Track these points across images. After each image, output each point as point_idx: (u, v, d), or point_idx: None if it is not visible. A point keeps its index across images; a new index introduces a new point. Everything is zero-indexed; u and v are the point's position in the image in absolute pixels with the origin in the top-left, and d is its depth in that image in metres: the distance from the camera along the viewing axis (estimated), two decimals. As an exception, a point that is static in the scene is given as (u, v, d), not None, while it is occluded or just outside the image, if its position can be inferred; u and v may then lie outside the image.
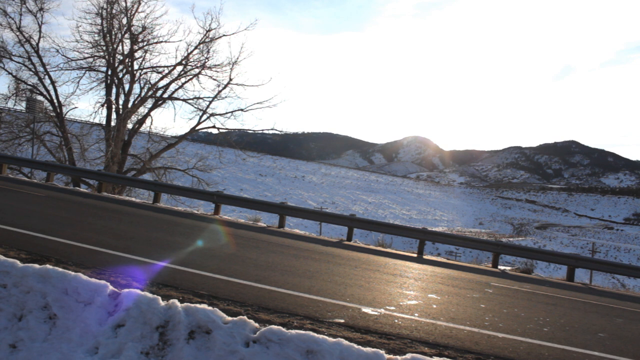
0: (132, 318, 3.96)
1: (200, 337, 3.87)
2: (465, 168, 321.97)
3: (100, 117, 24.86)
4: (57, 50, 21.90)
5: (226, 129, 23.85)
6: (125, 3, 22.51)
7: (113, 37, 22.57)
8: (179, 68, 23.35)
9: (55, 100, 22.28)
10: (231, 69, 22.96)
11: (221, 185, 32.98)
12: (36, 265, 4.37)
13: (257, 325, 3.97)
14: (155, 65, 23.71)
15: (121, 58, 22.94)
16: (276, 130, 23.79)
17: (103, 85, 22.76)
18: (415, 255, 12.93)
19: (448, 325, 5.45)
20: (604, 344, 5.69)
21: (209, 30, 22.79)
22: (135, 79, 23.25)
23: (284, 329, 3.86)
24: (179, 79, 23.65)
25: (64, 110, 22.55)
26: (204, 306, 4.09)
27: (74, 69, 22.16)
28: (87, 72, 22.42)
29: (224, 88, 23.20)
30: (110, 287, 4.28)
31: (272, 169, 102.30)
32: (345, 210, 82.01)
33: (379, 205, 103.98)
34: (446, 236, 15.35)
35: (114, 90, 22.76)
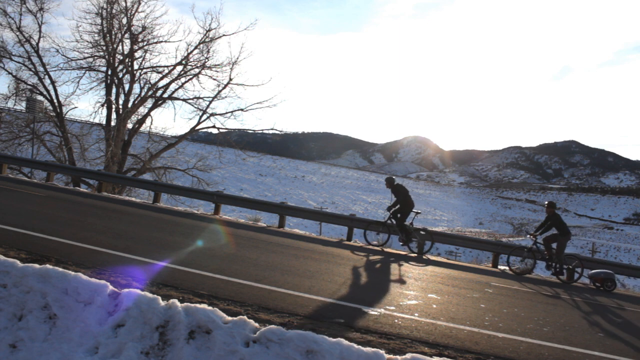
0: (132, 318, 3.96)
1: (200, 337, 3.87)
2: (465, 168, 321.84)
3: (100, 117, 24.95)
4: (57, 50, 21.99)
5: (226, 128, 23.87)
6: (125, 3, 22.55)
7: (113, 37, 22.59)
8: (179, 68, 23.40)
9: (55, 100, 22.31)
10: (231, 69, 23.01)
11: (221, 185, 32.94)
12: (36, 265, 4.37)
13: (257, 325, 3.97)
14: (155, 65, 23.78)
15: (121, 58, 22.96)
16: (276, 130, 23.86)
17: (103, 85, 22.81)
18: (415, 255, 12.93)
19: (448, 325, 5.45)
20: (604, 344, 5.69)
21: (209, 30, 22.84)
22: (135, 78, 23.28)
23: (284, 329, 3.86)
24: (179, 79, 23.69)
25: (64, 110, 22.63)
26: (204, 306, 4.09)
27: (74, 69, 22.24)
28: (87, 72, 22.50)
29: (224, 88, 23.24)
30: (110, 287, 4.28)
31: (272, 169, 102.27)
32: (345, 210, 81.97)
33: (379, 205, 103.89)
34: (446, 236, 15.33)
35: (114, 90, 22.79)
